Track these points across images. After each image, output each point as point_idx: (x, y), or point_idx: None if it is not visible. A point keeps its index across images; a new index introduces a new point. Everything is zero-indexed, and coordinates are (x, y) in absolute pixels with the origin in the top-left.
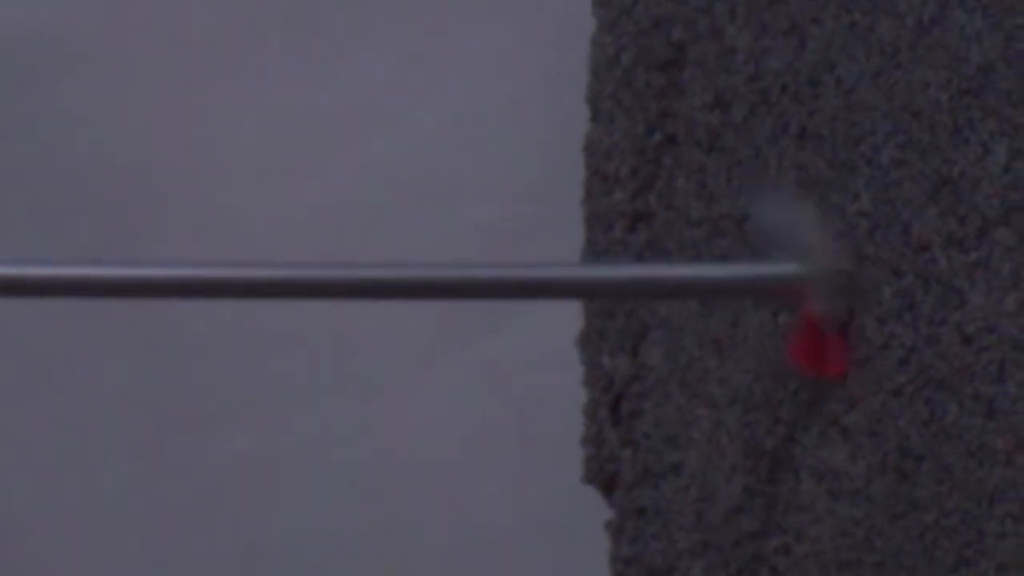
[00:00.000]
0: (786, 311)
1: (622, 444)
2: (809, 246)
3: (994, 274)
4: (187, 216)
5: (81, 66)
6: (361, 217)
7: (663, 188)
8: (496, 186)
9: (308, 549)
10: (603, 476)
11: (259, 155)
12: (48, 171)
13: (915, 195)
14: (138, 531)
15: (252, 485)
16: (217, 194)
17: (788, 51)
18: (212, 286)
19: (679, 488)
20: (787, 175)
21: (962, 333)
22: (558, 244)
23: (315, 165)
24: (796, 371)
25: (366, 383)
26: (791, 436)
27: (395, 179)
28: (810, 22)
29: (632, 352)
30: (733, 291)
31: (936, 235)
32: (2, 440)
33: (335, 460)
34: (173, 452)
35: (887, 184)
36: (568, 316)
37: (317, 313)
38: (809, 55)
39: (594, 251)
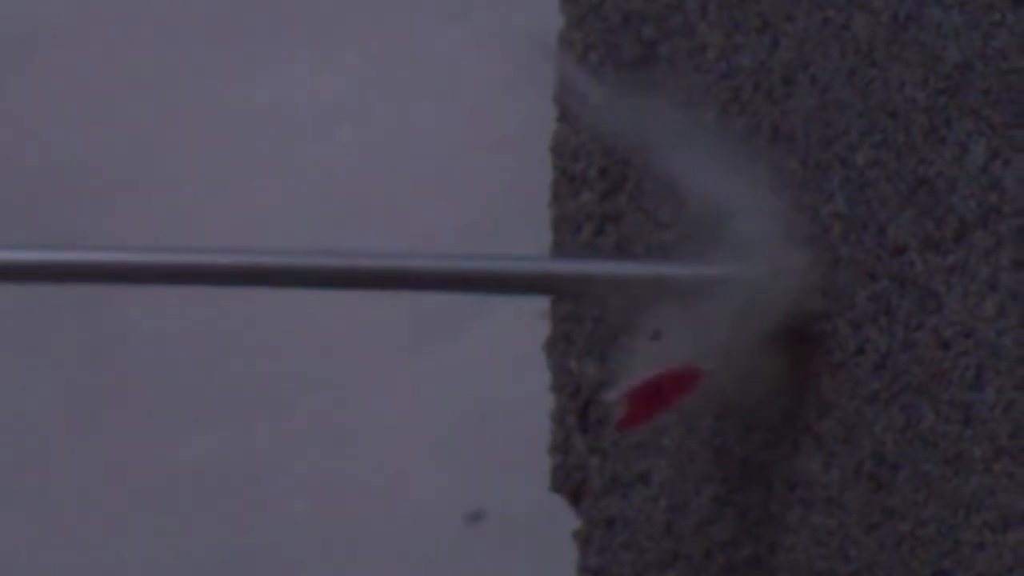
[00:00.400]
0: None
1: (590, 452)
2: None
3: (971, 277)
4: (146, 213)
5: (39, 62)
6: (322, 218)
7: (633, 189)
8: (462, 186)
9: (267, 554)
10: (571, 484)
11: (220, 154)
12: (2, 165)
13: (891, 196)
14: (90, 538)
15: (209, 491)
16: (177, 191)
17: (761, 49)
18: (157, 272)
19: (648, 497)
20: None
21: (939, 338)
22: (524, 246)
23: (278, 164)
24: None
25: (327, 388)
26: (763, 444)
27: (357, 179)
28: (783, 19)
29: (600, 358)
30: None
31: (912, 237)
32: None
33: (293, 466)
34: (129, 458)
35: (862, 185)
36: (536, 319)
37: (274, 316)
38: (782, 53)
39: (562, 254)
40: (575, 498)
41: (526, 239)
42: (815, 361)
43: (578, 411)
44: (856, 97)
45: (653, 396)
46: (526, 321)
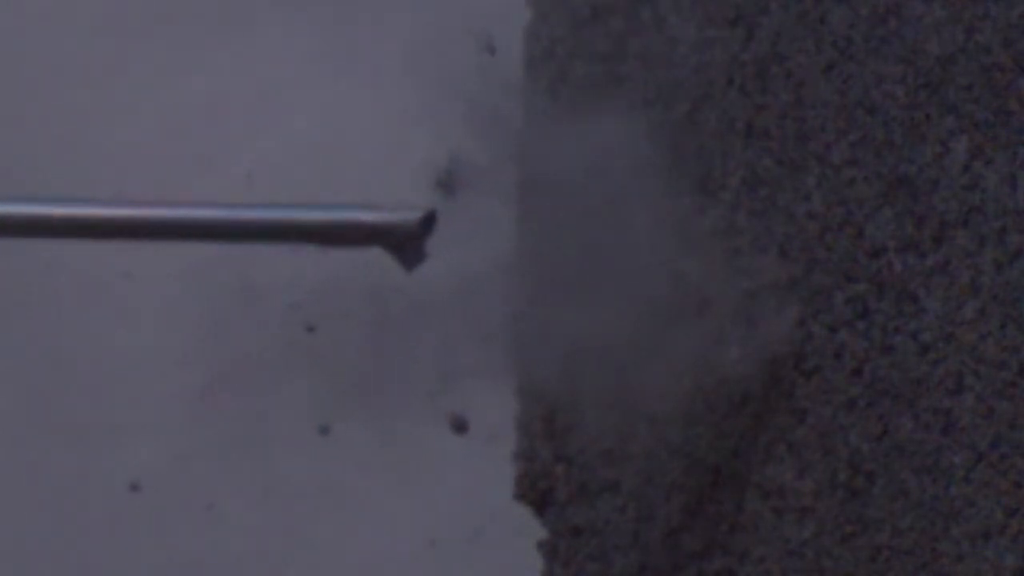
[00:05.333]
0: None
1: (556, 459)
2: None
3: (952, 280)
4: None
5: None
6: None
7: None
8: (420, 183)
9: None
10: (536, 493)
11: (156, 149)
12: None
13: (869, 196)
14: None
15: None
16: (112, 187)
17: (734, 42)
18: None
19: (616, 506)
20: (733, 174)
21: (918, 342)
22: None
23: (220, 158)
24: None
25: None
26: (736, 452)
27: (303, 174)
28: (758, 12)
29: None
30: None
31: (891, 238)
32: None
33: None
34: (64, 469)
35: (839, 184)
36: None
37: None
38: (756, 47)
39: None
40: (540, 507)
41: (492, 236)
42: None
43: (544, 417)
44: (833, 93)
45: None
46: None
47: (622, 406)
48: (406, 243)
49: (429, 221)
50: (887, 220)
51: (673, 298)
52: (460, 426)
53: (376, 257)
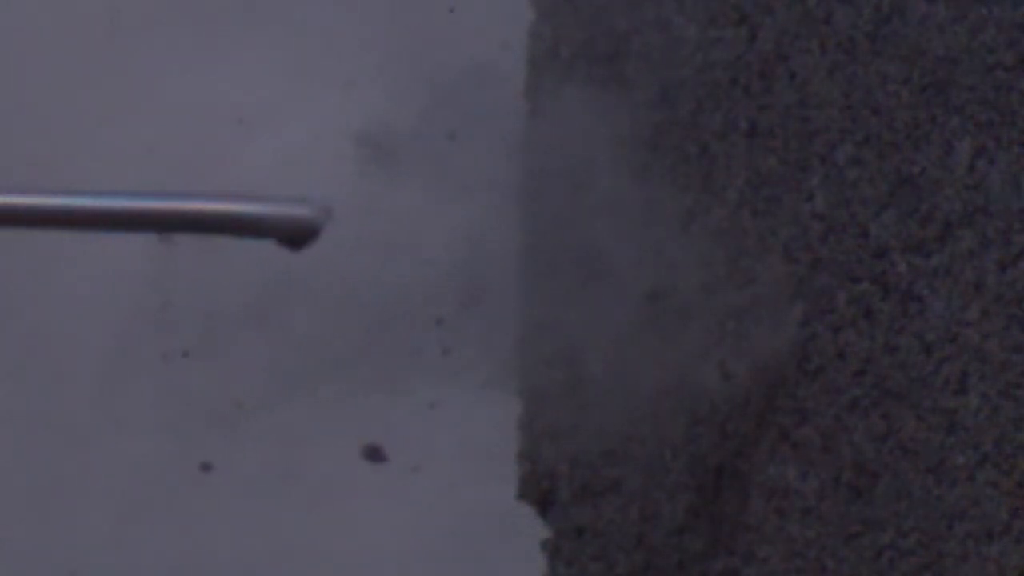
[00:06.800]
0: None
1: (559, 459)
2: None
3: (956, 280)
4: None
5: None
6: None
7: None
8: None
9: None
10: (539, 493)
11: (144, 153)
12: None
13: (872, 196)
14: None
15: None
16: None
17: (738, 42)
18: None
19: (619, 506)
20: (737, 174)
21: (922, 342)
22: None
23: (211, 162)
24: None
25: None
26: (739, 451)
27: (294, 180)
28: (761, 12)
29: (570, 363)
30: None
31: (895, 238)
32: None
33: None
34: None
35: (843, 184)
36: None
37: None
38: (760, 46)
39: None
40: (543, 507)
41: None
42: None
43: (546, 417)
44: (837, 93)
45: None
46: None
47: (624, 406)
48: (305, 239)
49: (327, 214)
50: (891, 220)
51: (674, 298)
52: (375, 455)
53: (268, 254)
